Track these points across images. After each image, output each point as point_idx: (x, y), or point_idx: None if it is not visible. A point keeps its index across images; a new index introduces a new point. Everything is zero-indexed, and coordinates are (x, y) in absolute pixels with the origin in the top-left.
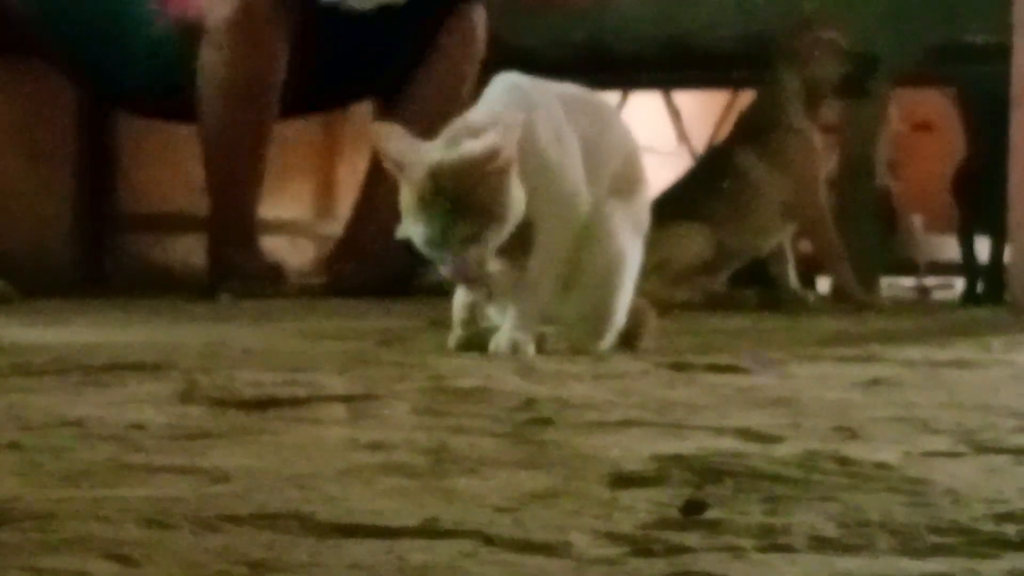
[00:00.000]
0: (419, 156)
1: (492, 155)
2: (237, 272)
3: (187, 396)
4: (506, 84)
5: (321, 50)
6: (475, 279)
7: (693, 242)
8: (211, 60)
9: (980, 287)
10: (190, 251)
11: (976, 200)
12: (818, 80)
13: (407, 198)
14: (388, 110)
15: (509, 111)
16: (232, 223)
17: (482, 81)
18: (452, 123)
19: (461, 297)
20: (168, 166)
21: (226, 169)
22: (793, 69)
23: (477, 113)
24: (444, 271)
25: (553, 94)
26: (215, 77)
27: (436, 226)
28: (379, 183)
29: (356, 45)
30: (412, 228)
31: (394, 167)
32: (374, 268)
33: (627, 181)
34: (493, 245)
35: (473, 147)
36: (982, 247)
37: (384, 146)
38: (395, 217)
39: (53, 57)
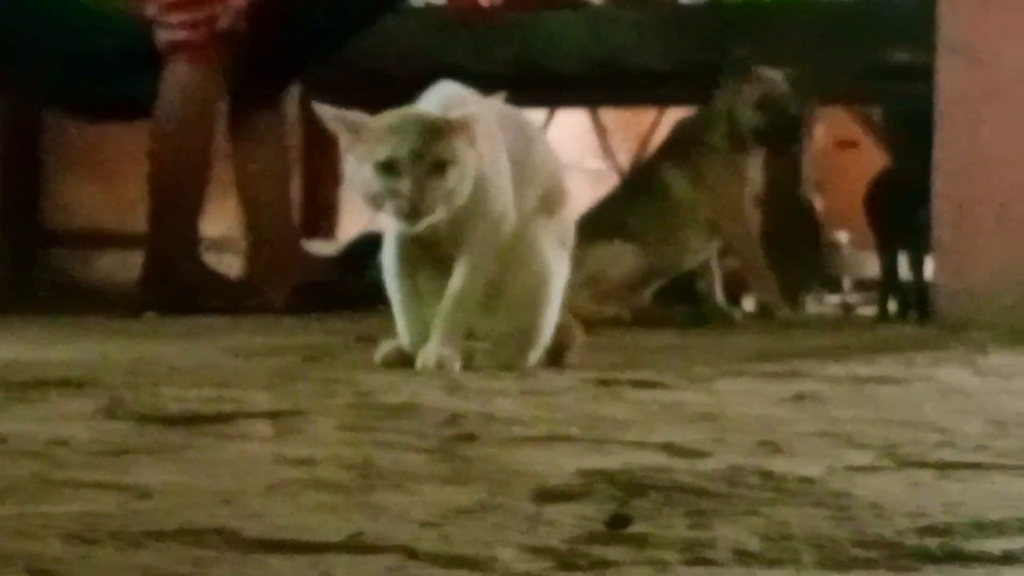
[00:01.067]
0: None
1: (467, 122)
2: (182, 282)
3: (112, 412)
4: (446, 90)
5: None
6: (427, 213)
7: (619, 259)
8: (183, 71)
9: (897, 303)
10: (116, 268)
11: (890, 216)
12: (737, 119)
13: (368, 138)
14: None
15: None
16: (180, 232)
17: (407, 96)
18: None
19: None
20: (95, 182)
21: (180, 174)
22: (723, 97)
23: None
24: (399, 200)
25: (484, 106)
26: (186, 86)
27: (406, 145)
28: (259, 209)
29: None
30: (377, 151)
31: (350, 126)
32: (294, 283)
33: (552, 198)
34: (450, 194)
35: (451, 111)
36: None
37: (336, 112)
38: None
39: None
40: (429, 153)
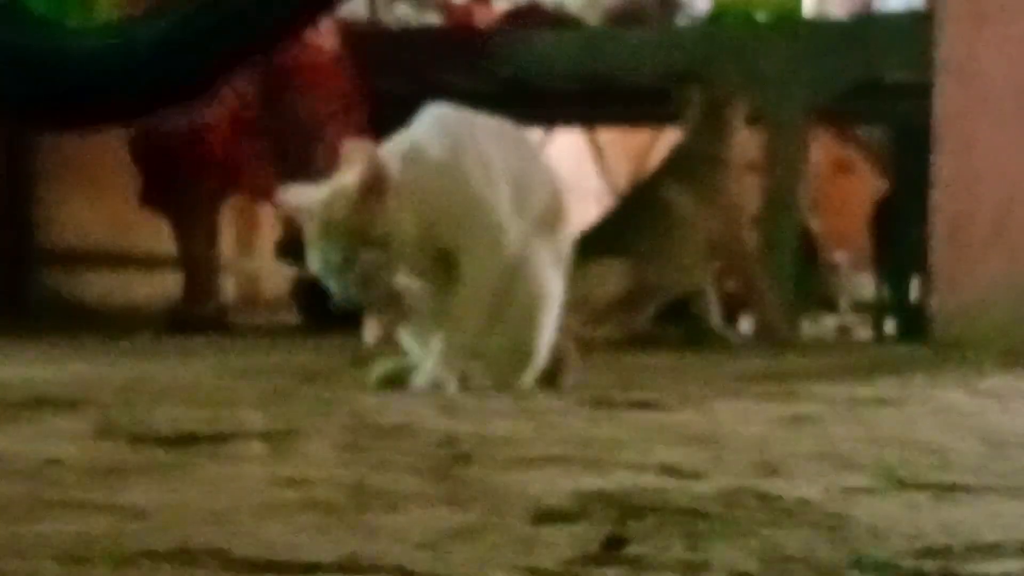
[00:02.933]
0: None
1: (362, 186)
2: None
3: (105, 432)
4: (434, 115)
5: None
6: (356, 301)
7: (615, 278)
8: None
9: (897, 324)
10: (110, 287)
11: (892, 236)
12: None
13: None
14: None
15: (425, 139)
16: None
17: (400, 113)
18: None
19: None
20: (87, 201)
21: None
22: (720, 113)
23: (395, 142)
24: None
25: (480, 126)
26: None
27: (316, 256)
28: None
29: None
30: (310, 259)
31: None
32: None
33: (551, 216)
34: (376, 267)
35: (340, 181)
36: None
37: (288, 203)
38: None
39: None
40: (333, 256)
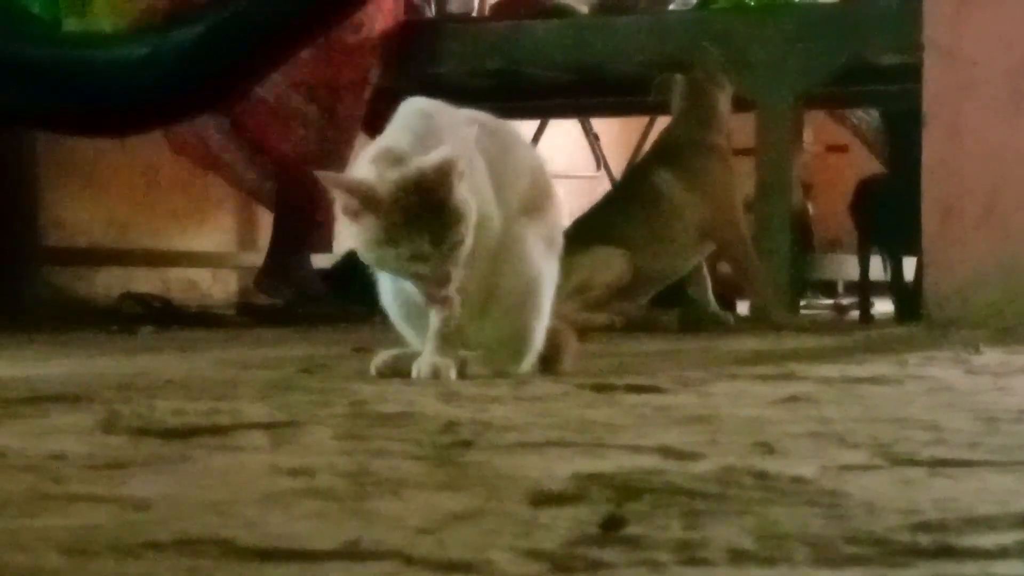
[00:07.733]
0: (376, 183)
1: (449, 165)
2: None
3: (108, 426)
4: (413, 109)
5: None
6: (453, 292)
7: (612, 265)
8: None
9: (895, 304)
10: (111, 284)
11: (877, 218)
12: (723, 114)
13: (374, 227)
14: None
15: (440, 137)
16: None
17: (391, 107)
18: (368, 150)
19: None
20: (89, 200)
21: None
22: (706, 94)
23: (392, 138)
24: (428, 289)
25: (457, 116)
26: None
27: (423, 239)
28: (290, 216)
29: None
30: (390, 252)
31: (352, 201)
32: (296, 291)
33: (537, 199)
34: (465, 251)
35: (431, 158)
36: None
37: (337, 184)
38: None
39: None
40: (448, 235)
